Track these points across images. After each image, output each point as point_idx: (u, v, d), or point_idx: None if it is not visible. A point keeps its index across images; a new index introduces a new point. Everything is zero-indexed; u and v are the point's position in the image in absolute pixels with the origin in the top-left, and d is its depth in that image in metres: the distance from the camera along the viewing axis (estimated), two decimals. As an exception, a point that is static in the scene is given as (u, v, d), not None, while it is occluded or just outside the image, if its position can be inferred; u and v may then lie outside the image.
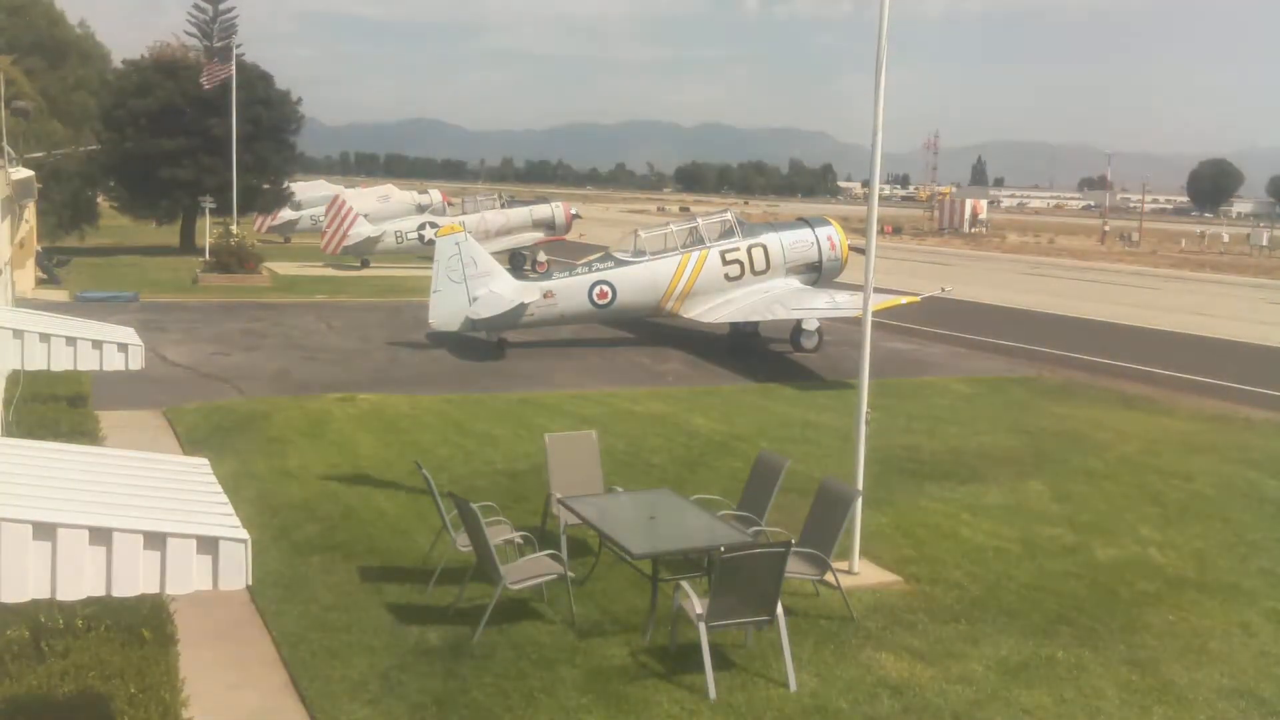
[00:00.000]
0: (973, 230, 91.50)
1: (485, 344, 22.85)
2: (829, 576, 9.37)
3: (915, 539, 11.47)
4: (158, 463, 6.65)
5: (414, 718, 7.48)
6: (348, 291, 33.84)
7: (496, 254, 30.68)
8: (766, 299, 23.72)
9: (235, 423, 15.63)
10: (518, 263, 40.22)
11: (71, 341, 11.94)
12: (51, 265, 33.30)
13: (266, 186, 46.94)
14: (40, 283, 31.29)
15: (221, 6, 46.28)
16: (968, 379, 21.76)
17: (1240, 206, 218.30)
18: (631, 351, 24.05)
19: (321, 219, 44.40)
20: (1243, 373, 23.68)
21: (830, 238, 25.18)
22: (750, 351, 24.19)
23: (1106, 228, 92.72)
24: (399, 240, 41.73)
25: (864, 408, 10.46)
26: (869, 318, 10.55)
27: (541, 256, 41.82)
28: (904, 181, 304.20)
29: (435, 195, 56.50)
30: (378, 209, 49.05)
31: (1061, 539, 11.67)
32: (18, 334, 11.51)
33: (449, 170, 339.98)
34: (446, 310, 22.52)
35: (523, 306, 22.32)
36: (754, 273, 24.31)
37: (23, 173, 20.82)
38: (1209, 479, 14.31)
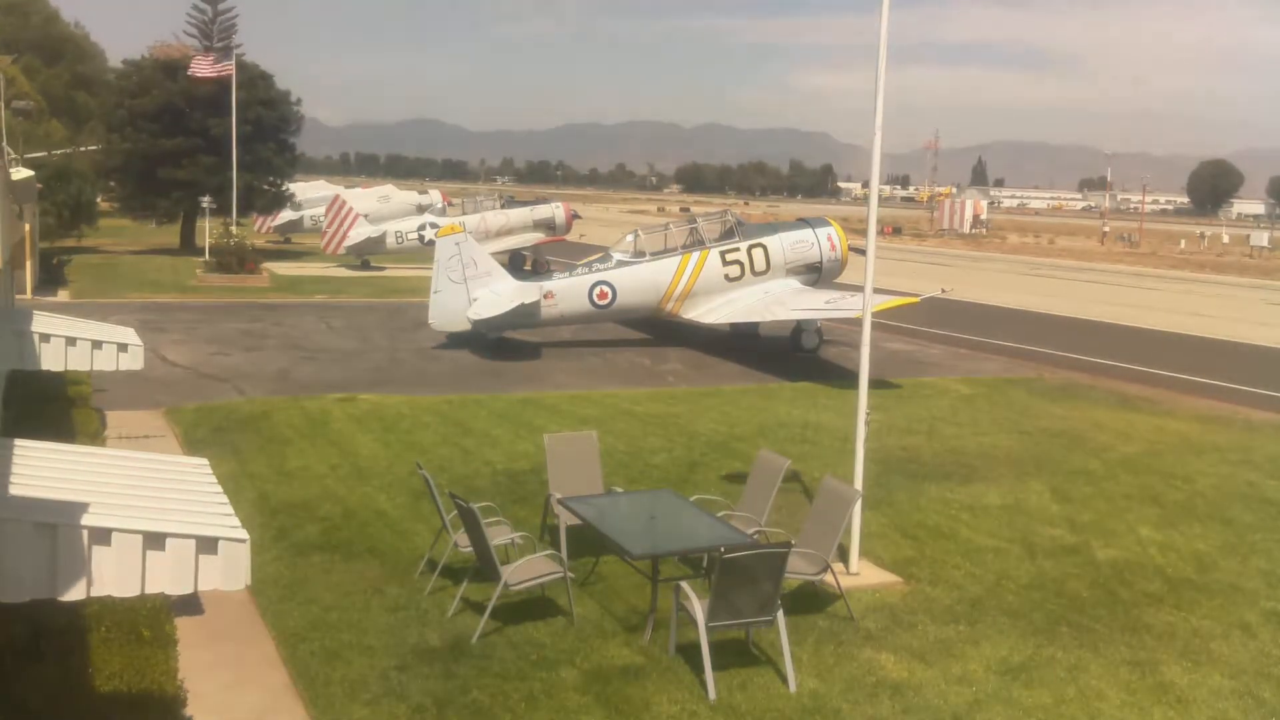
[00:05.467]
0: (973, 231, 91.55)
1: (486, 344, 22.85)
2: (829, 576, 9.37)
3: (915, 539, 11.47)
4: (158, 463, 6.66)
5: (414, 718, 7.48)
6: (348, 292, 33.84)
7: (497, 255, 30.69)
8: (767, 299, 23.71)
9: (235, 423, 15.63)
10: (518, 263, 40.19)
11: (71, 341, 11.96)
12: (53, 265, 33.31)
13: (267, 187, 46.93)
14: (40, 283, 31.27)
15: (221, 6, 46.26)
16: (968, 379, 21.76)
17: (1247, 208, 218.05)
18: (631, 352, 24.04)
19: (322, 219, 44.42)
20: (1243, 373, 23.68)
21: (830, 238, 25.17)
22: (750, 352, 24.17)
23: (1106, 228, 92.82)
24: (399, 241, 41.73)
25: (864, 408, 10.46)
26: (869, 318, 10.55)
27: (546, 259, 41.76)
28: (904, 182, 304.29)
29: (435, 195, 56.51)
30: (378, 209, 49.05)
31: (1061, 539, 11.67)
32: (18, 334, 11.52)
33: (449, 170, 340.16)
34: (447, 311, 22.53)
35: (523, 307, 22.31)
36: (754, 273, 24.30)
37: (23, 173, 20.83)
38: (1209, 480, 14.30)
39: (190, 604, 8.61)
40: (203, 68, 39.87)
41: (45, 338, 11.74)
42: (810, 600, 9.55)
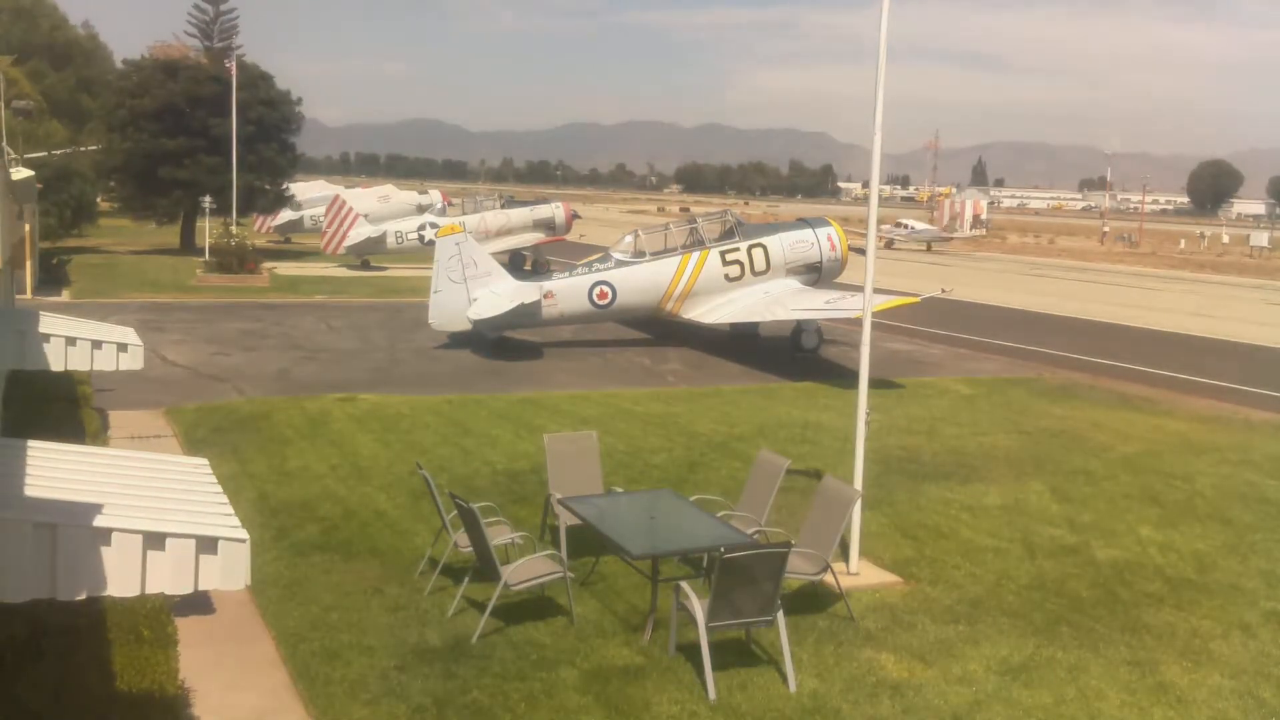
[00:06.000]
0: (973, 231, 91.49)
1: (486, 344, 22.87)
2: (829, 576, 9.37)
3: (915, 539, 11.47)
4: (158, 463, 6.66)
5: (414, 718, 7.48)
6: (348, 292, 33.84)
7: (497, 255, 30.68)
8: (766, 299, 23.71)
9: (235, 423, 15.63)
10: (518, 263, 40.19)
11: (71, 341, 11.95)
12: (52, 265, 33.31)
13: (267, 187, 46.95)
14: (40, 283, 31.28)
15: (222, 7, 46.31)
16: (968, 379, 21.76)
17: (1247, 208, 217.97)
18: (631, 352, 24.05)
19: (322, 219, 44.45)
20: (1243, 373, 23.69)
21: (830, 238, 25.18)
22: (750, 352, 24.18)
23: (1106, 228, 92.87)
24: (399, 241, 41.74)
25: (864, 408, 10.46)
26: (869, 318, 10.55)
27: (546, 259, 41.71)
28: (904, 182, 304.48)
29: (435, 195, 56.51)
30: (378, 209, 49.07)
31: (1061, 539, 11.67)
32: (18, 334, 11.52)
33: (449, 170, 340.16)
34: (447, 311, 22.53)
35: (523, 307, 22.32)
36: (754, 273, 24.30)
37: (23, 173, 20.83)
38: (1209, 480, 14.30)
39: (191, 604, 8.60)
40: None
41: (45, 338, 11.73)
42: (810, 600, 9.54)
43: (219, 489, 6.02)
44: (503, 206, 43.89)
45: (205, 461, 6.71)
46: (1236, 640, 9.21)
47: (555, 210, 43.62)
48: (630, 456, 14.34)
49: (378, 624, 8.92)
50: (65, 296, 29.46)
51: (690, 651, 8.17)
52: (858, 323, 12.06)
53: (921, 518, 12.19)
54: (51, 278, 32.70)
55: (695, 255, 24.07)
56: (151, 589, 4.96)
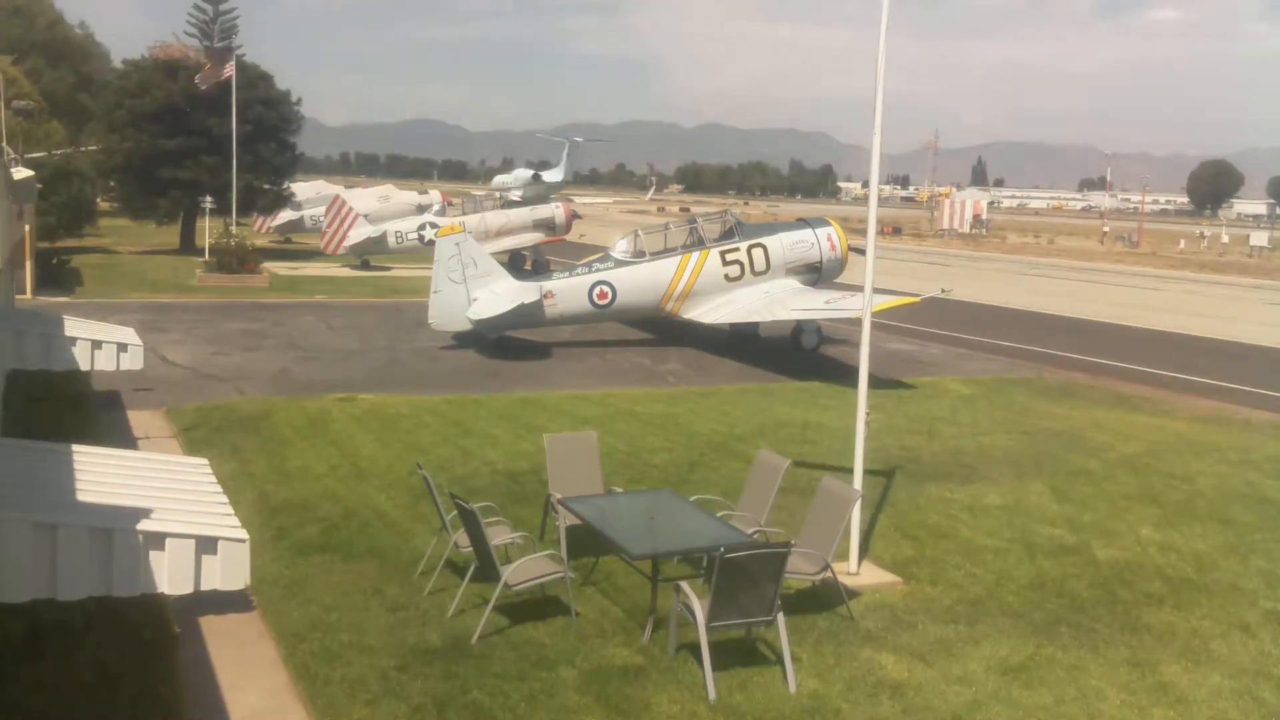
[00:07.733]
0: (973, 231, 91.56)
1: (486, 344, 22.86)
2: (829, 576, 9.37)
3: (915, 539, 11.47)
4: (158, 463, 6.67)
5: (414, 718, 7.48)
6: (348, 292, 33.83)
7: (497, 255, 30.67)
8: (766, 300, 23.71)
9: (235, 423, 15.62)
10: (518, 263, 40.16)
11: (71, 341, 11.98)
12: (51, 265, 33.28)
13: (267, 187, 46.90)
14: (39, 283, 31.26)
15: (222, 6, 46.26)
16: (967, 379, 21.76)
17: (1247, 208, 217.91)
18: (631, 352, 24.05)
19: (322, 219, 44.44)
20: (1243, 373, 23.69)
21: (830, 238, 25.18)
22: (750, 352, 24.18)
23: (1106, 229, 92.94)
24: (399, 241, 41.74)
25: (864, 408, 10.46)
26: (869, 318, 10.55)
27: (546, 259, 41.67)
28: (904, 182, 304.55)
29: (435, 195, 56.46)
30: (378, 209, 49.03)
31: (1061, 539, 11.67)
32: (18, 334, 11.54)
33: (449, 170, 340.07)
34: (446, 311, 22.53)
35: (523, 307, 22.32)
36: (754, 273, 24.30)
37: (23, 173, 20.84)
38: (1209, 480, 14.31)
39: (190, 604, 8.60)
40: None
41: (45, 338, 11.75)
42: (810, 600, 9.54)
43: (219, 489, 6.03)
44: (502, 206, 43.87)
45: (205, 461, 6.72)
46: (1236, 640, 9.21)
47: (555, 210, 43.58)
48: (630, 456, 14.34)
49: (378, 624, 8.92)
50: (75, 296, 29.42)
51: (690, 651, 8.17)
52: (858, 322, 12.06)
53: (921, 518, 12.19)
54: (53, 277, 32.68)
55: (695, 255, 24.07)
56: (151, 589, 4.97)
